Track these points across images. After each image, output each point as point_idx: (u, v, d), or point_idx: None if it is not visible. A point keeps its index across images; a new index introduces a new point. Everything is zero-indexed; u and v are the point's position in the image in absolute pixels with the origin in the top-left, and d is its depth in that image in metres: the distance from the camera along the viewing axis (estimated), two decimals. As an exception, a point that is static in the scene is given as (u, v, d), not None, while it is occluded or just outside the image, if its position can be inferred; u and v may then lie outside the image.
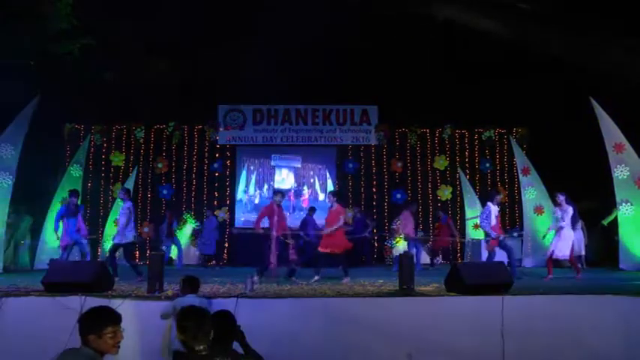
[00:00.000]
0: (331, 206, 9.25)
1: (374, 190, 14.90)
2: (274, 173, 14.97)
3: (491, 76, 12.67)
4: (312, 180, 15.03)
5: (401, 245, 12.46)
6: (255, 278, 7.30)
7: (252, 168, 14.94)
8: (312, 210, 12.49)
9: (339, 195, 9.60)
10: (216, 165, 14.78)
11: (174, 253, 13.13)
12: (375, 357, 6.09)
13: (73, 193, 9.93)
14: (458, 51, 12.73)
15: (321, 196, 14.74)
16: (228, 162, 14.91)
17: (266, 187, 14.77)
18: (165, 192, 14.60)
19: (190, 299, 5.34)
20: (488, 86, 12.52)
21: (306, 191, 14.86)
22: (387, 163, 14.93)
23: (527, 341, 6.18)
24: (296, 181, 14.99)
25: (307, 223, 12.01)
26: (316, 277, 8.64)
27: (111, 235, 11.97)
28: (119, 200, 9.84)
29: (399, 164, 14.85)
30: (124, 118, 14.26)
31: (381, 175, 14.92)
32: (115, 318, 3.02)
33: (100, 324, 2.95)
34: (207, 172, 14.77)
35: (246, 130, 14.89)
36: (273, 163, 14.98)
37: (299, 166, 15.00)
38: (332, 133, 14.99)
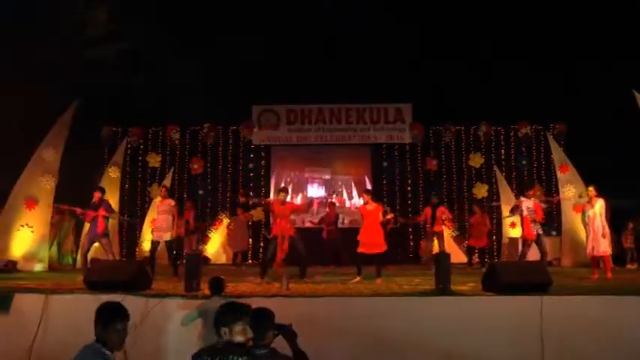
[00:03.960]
0: (365, 203, 9.01)
1: (408, 188, 14.84)
2: (307, 184, 15.13)
3: (527, 70, 12.41)
4: (340, 189, 15.09)
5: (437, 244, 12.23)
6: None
7: (287, 179, 15.07)
8: (333, 205, 12.92)
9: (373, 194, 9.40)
10: (250, 165, 14.92)
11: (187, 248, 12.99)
12: (411, 357, 6.01)
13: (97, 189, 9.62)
14: (490, 46, 12.53)
15: (348, 203, 14.98)
16: (262, 162, 15.02)
17: (300, 196, 14.81)
18: (200, 192, 14.77)
19: (215, 301, 5.29)
20: (523, 81, 12.31)
21: (334, 198, 14.77)
22: (421, 161, 14.85)
23: (567, 344, 5.98)
24: (326, 190, 15.10)
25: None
26: (357, 278, 8.49)
27: (150, 234, 12.25)
28: (157, 201, 9.78)
29: (434, 162, 14.73)
30: (160, 119, 14.50)
31: (416, 173, 14.86)
32: (121, 314, 3.17)
33: (107, 318, 3.12)
34: (242, 172, 14.93)
35: (280, 130, 14.95)
36: (307, 175, 15.15)
37: (328, 177, 15.09)
38: (366, 132, 14.98)
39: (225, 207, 14.72)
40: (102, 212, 8.92)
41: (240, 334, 3.10)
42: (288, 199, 9.58)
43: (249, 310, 3.26)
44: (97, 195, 9.16)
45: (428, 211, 11.64)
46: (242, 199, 10.71)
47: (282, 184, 14.45)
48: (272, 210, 9.06)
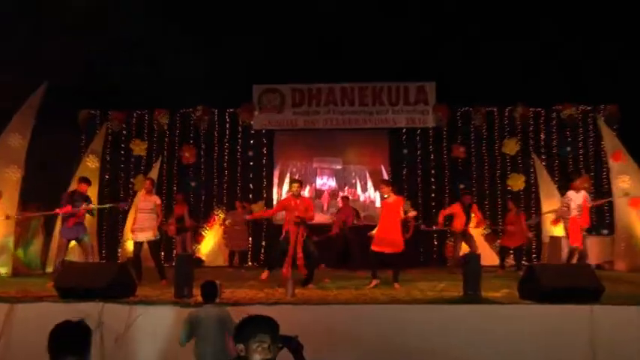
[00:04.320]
0: (385, 197, 8.98)
1: (432, 179, 14.77)
2: (316, 175, 15.15)
3: (572, 40, 12.21)
4: (353, 181, 15.10)
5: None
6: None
7: (294, 169, 15.09)
8: (346, 198, 13.22)
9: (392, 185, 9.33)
10: (250, 153, 14.93)
11: (178, 248, 13.03)
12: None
13: (80, 180, 9.76)
14: (529, 13, 12.35)
15: (362, 197, 14.99)
16: (264, 150, 15.02)
17: (308, 188, 14.78)
18: (192, 184, 14.77)
19: (209, 309, 5.37)
20: (568, 53, 12.11)
21: (345, 191, 14.83)
22: (447, 148, 14.78)
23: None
24: (337, 182, 15.11)
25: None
26: (374, 282, 8.52)
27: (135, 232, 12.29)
28: (141, 196, 9.78)
29: (462, 149, 14.63)
30: (146, 101, 14.43)
31: (441, 162, 14.78)
32: (75, 346, 2.86)
33: (56, 350, 2.85)
34: (239, 161, 14.94)
35: (284, 113, 14.93)
36: (314, 165, 15.16)
37: (339, 167, 15.12)
38: (383, 114, 14.88)
39: (222, 201, 14.73)
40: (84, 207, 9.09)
41: (259, 352, 3.03)
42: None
43: (274, 326, 3.19)
44: (84, 187, 9.34)
45: (457, 208, 11.55)
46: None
47: (288, 175, 14.58)
48: (284, 206, 9.13)
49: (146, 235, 9.28)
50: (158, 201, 9.54)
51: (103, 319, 6.12)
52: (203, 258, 13.85)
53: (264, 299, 7.01)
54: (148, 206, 9.36)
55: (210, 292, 5.57)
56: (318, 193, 14.95)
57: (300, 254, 8.59)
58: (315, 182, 15.08)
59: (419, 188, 14.69)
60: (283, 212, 9.29)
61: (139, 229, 9.34)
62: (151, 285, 8.37)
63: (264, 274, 8.87)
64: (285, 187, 14.50)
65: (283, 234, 8.85)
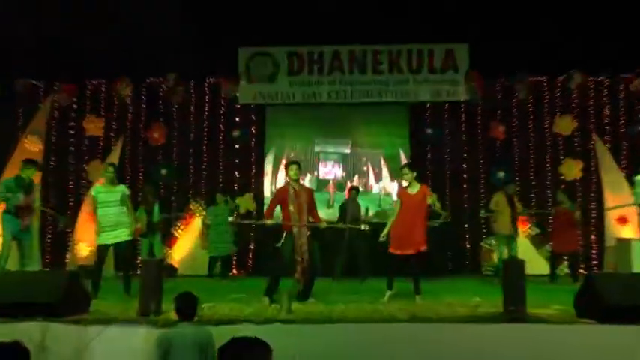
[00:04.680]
0: (406, 187, 9.05)
1: (464, 166, 14.75)
2: (318, 162, 15.16)
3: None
4: (364, 168, 15.12)
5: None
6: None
7: (291, 154, 14.96)
8: (354, 190, 13.06)
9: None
10: (235, 133, 14.87)
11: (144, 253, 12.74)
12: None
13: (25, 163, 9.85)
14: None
15: (375, 188, 15.04)
16: (252, 129, 14.99)
17: (308, 177, 14.83)
18: (163, 172, 14.70)
19: (184, 328, 5.38)
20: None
21: (355, 181, 14.84)
22: (482, 127, 14.74)
23: None
24: (344, 170, 15.14)
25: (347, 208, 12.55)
26: (389, 293, 8.64)
27: (87, 233, 12.42)
28: (102, 187, 9.72)
29: (501, 129, 14.56)
30: (104, 68, 14.31)
31: (475, 144, 14.75)
32: None
33: None
34: (222, 143, 14.90)
35: (278, 83, 14.89)
36: (316, 149, 15.16)
37: (348, 151, 15.13)
38: (402, 85, 14.84)
39: (199, 193, 14.71)
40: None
41: None
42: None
43: (266, 350, 3.23)
44: (37, 177, 9.64)
45: (499, 201, 11.64)
46: None
47: (284, 162, 14.37)
48: (280, 199, 9.07)
49: (119, 235, 9.33)
50: (127, 191, 9.63)
51: (46, 342, 6.08)
52: (176, 265, 13.88)
53: (254, 316, 7.01)
54: (114, 198, 9.41)
55: (187, 308, 5.55)
56: (321, 184, 14.93)
57: (305, 260, 8.61)
58: (317, 170, 15.11)
59: (446, 178, 14.66)
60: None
61: (109, 226, 9.35)
62: (109, 299, 8.35)
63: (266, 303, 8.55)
64: (281, 180, 14.41)
65: (282, 238, 8.77)
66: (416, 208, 8.81)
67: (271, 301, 8.28)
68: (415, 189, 8.91)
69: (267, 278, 8.80)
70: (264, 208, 14.04)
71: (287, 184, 9.17)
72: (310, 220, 8.92)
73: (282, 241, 8.74)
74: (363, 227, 10.25)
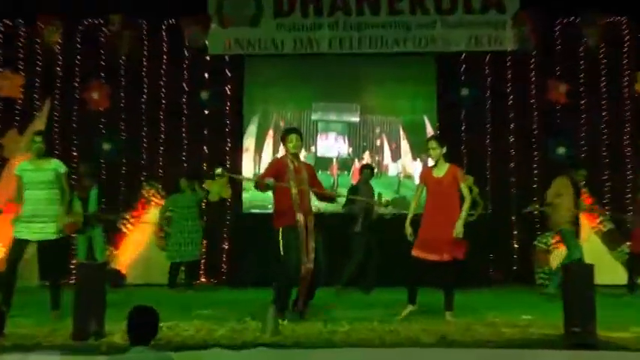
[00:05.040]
0: (432, 167, 8.99)
1: (511, 138, 14.47)
2: (316, 134, 15.25)
3: None
4: (377, 141, 15.03)
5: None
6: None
7: (280, 123, 14.90)
8: (367, 169, 13.08)
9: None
10: (204, 95, 14.65)
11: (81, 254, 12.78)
12: None
13: None
14: None
15: (392, 168, 15.09)
16: (227, 89, 14.74)
17: (303, 153, 14.31)
18: (105, 147, 14.47)
19: (139, 355, 5.03)
20: None
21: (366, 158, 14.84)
22: (537, 86, 14.44)
23: None
24: (351, 145, 15.01)
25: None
26: (410, 308, 8.73)
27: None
28: (28, 163, 9.43)
29: (563, 88, 14.18)
30: (22, 5, 14.15)
31: (527, 109, 14.50)
32: None
33: None
34: (186, 108, 14.82)
35: (262, 27, 14.64)
36: (314, 117, 14.99)
37: (355, 120, 14.99)
38: (428, 30, 14.67)
39: (156, 175, 14.52)
40: None
41: None
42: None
43: None
44: None
45: (563, 185, 11.44)
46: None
47: (271, 133, 14.84)
48: (278, 169, 8.92)
49: (44, 230, 8.95)
50: (62, 167, 9.24)
51: None
52: (123, 271, 13.81)
53: (228, 340, 6.97)
54: (45, 178, 9.03)
55: (144, 328, 5.13)
56: (319, 164, 14.70)
57: (311, 260, 8.59)
58: (314, 145, 15.01)
59: (487, 154, 14.59)
60: (270, 192, 9.11)
61: (34, 216, 8.99)
62: (31, 318, 8.27)
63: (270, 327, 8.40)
64: (267, 159, 14.43)
65: (281, 228, 8.65)
66: (444, 195, 8.74)
67: (282, 317, 8.10)
68: (442, 170, 8.82)
69: (273, 290, 8.77)
70: (244, 195, 13.95)
71: (285, 156, 9.10)
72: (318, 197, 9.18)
73: (282, 237, 8.66)
74: (388, 208, 10.51)
